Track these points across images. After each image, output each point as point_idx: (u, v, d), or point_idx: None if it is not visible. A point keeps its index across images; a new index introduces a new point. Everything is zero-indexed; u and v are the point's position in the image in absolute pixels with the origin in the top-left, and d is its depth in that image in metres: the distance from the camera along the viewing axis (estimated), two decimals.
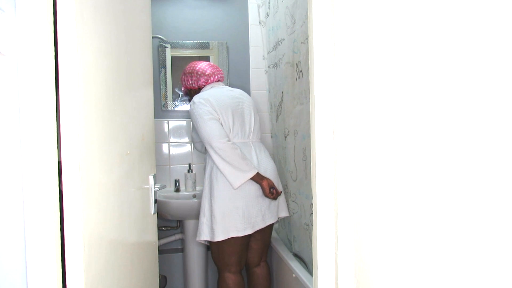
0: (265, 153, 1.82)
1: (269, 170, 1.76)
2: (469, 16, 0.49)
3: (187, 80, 1.89)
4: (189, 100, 1.98)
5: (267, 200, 1.73)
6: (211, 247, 1.76)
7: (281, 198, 1.83)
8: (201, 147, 1.93)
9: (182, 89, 2.00)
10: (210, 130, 1.65)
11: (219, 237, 1.63)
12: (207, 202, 1.69)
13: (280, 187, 1.80)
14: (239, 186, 1.64)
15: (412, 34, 0.60)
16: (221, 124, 1.71)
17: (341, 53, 0.84)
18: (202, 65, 1.88)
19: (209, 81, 1.86)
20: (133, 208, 1.12)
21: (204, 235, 1.67)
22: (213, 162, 1.67)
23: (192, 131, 1.83)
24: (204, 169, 1.80)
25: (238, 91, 1.89)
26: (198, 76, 1.86)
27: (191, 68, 1.89)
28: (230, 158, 1.63)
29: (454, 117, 0.51)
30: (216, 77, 1.88)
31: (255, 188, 1.69)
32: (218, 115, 1.71)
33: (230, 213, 1.64)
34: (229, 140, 1.67)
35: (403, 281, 0.64)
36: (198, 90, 1.88)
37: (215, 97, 1.74)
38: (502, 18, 0.44)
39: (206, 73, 1.86)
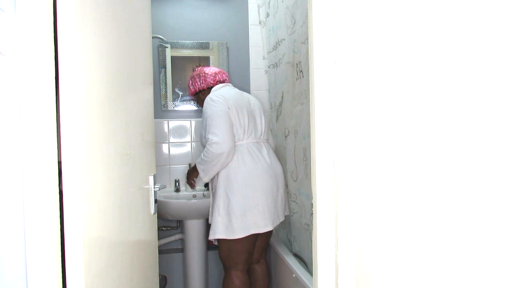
0: (274, 154, 1.85)
1: (279, 171, 1.79)
2: (469, 16, 0.49)
3: (195, 82, 1.91)
4: (198, 102, 1.98)
5: (279, 197, 1.76)
6: (220, 245, 1.75)
7: (285, 197, 1.85)
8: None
9: (190, 94, 2.01)
10: (228, 135, 1.65)
11: (239, 235, 1.63)
12: (222, 201, 1.68)
13: (284, 188, 1.83)
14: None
15: (412, 34, 0.60)
16: (235, 124, 1.71)
17: (341, 53, 0.84)
18: (208, 67, 1.94)
19: (216, 78, 1.88)
20: (133, 208, 1.12)
21: (219, 234, 1.66)
22: (205, 153, 1.67)
23: (201, 128, 1.81)
24: None
25: (246, 93, 1.91)
26: (205, 75, 1.89)
27: (198, 70, 1.93)
28: (217, 166, 1.67)
29: (454, 117, 0.51)
30: (223, 75, 1.91)
31: (271, 184, 1.71)
32: (234, 114, 1.71)
33: (251, 210, 1.65)
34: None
35: (403, 281, 0.64)
36: (207, 90, 1.90)
37: (231, 96, 1.74)
38: (501, 18, 0.44)
39: (213, 72, 1.90)
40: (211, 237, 1.69)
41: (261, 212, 1.66)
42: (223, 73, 1.93)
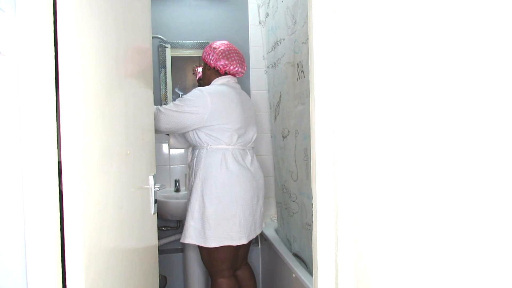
0: (257, 162, 1.79)
1: (261, 182, 1.75)
2: (468, 16, 0.49)
3: (208, 54, 1.73)
4: (201, 77, 1.85)
5: (258, 208, 1.71)
6: (201, 251, 1.69)
7: (264, 209, 1.80)
8: (183, 140, 1.84)
9: (200, 67, 1.85)
10: (169, 128, 1.61)
11: (211, 244, 1.57)
12: (197, 204, 1.60)
13: (263, 199, 1.78)
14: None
15: (412, 34, 0.60)
16: (223, 127, 1.62)
17: (341, 53, 0.84)
18: (231, 48, 1.75)
19: (227, 68, 1.71)
20: (133, 208, 1.12)
21: (190, 238, 1.59)
22: (205, 164, 1.60)
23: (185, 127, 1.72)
24: (191, 167, 1.70)
25: (246, 96, 1.81)
26: (220, 56, 1.70)
27: (218, 44, 1.74)
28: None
29: (454, 116, 0.51)
30: (236, 69, 1.74)
31: (251, 195, 1.65)
32: (222, 118, 1.61)
33: (227, 220, 1.58)
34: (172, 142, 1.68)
35: (403, 281, 0.64)
36: (212, 71, 1.76)
37: (226, 98, 1.64)
38: (501, 18, 0.44)
39: (230, 57, 1.72)
40: (182, 240, 1.62)
41: (237, 224, 1.59)
42: (239, 65, 1.74)
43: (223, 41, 1.78)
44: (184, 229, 1.63)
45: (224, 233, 1.58)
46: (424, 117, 0.57)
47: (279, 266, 1.95)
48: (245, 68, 1.80)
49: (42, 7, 0.71)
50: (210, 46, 1.75)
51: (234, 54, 1.74)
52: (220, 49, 1.72)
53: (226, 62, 1.71)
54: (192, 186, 1.66)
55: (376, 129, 0.71)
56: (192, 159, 1.72)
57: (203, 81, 1.81)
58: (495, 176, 0.46)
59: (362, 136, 0.77)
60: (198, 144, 1.68)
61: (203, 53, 1.77)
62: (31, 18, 0.71)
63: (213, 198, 1.58)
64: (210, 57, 1.72)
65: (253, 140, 1.77)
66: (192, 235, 1.59)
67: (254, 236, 1.68)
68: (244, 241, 1.61)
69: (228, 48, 1.74)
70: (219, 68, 1.73)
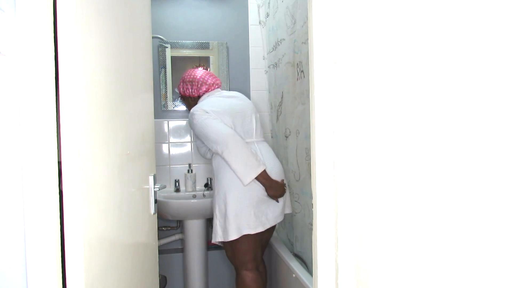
0: (271, 153, 1.83)
1: (275, 169, 1.77)
2: (468, 17, 0.49)
3: (187, 89, 1.90)
4: (185, 103, 2.00)
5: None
6: (225, 247, 1.79)
7: (287, 195, 1.84)
8: (204, 152, 1.91)
9: (179, 96, 2.02)
10: (223, 130, 1.66)
11: (232, 236, 1.65)
12: (217, 204, 1.71)
13: (286, 185, 1.83)
14: (249, 183, 1.65)
15: (412, 35, 0.60)
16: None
17: (341, 53, 0.84)
18: (202, 74, 1.90)
19: (210, 89, 1.89)
20: (133, 208, 1.12)
21: (219, 236, 1.70)
22: (225, 161, 1.67)
23: (197, 139, 1.85)
24: (213, 171, 1.80)
25: (233, 93, 1.92)
26: (199, 84, 1.88)
27: (191, 76, 1.90)
28: (243, 154, 1.63)
29: (454, 117, 0.51)
30: (216, 86, 1.91)
31: (258, 186, 1.70)
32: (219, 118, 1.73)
33: (242, 211, 1.66)
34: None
35: (403, 281, 0.64)
36: (197, 98, 1.91)
37: (211, 105, 1.76)
38: (501, 18, 0.44)
39: (208, 82, 1.89)
40: (213, 240, 1.73)
41: (252, 214, 1.68)
42: (216, 84, 1.92)
43: (190, 72, 1.93)
44: (213, 229, 1.75)
45: (243, 223, 1.66)
46: (424, 118, 0.57)
47: (279, 266, 1.95)
48: (219, 79, 1.96)
49: (42, 7, 0.71)
50: (184, 82, 1.91)
51: (206, 76, 1.90)
52: (195, 81, 1.88)
53: (207, 86, 1.88)
54: (215, 187, 1.79)
55: (376, 129, 0.71)
56: (214, 163, 1.85)
57: (190, 106, 1.92)
58: (495, 178, 0.46)
59: (362, 136, 0.77)
60: (209, 150, 1.80)
61: (180, 90, 1.94)
62: (31, 18, 0.71)
63: (230, 194, 1.68)
64: (190, 90, 1.89)
65: (254, 131, 1.82)
66: (220, 233, 1.71)
67: (272, 224, 1.74)
68: (260, 229, 1.69)
69: (200, 74, 1.89)
70: (202, 94, 1.89)
